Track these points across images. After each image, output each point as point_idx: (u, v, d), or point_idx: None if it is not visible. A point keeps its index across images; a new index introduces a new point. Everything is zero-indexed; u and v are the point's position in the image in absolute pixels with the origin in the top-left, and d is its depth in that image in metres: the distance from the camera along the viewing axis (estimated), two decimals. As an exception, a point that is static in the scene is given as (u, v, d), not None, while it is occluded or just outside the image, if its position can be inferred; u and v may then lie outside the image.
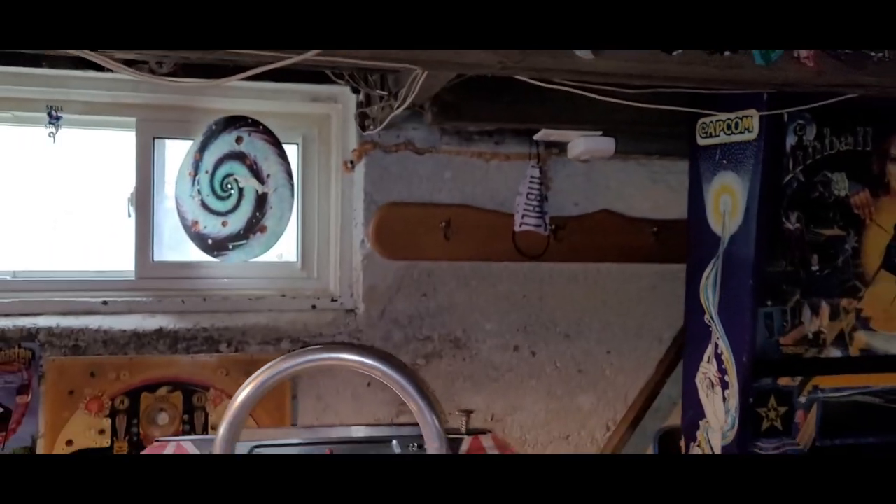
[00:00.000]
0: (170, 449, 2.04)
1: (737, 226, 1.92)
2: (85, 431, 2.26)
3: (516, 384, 2.62)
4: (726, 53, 1.62)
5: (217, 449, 1.76)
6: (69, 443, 2.26)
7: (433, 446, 1.74)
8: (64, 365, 2.27)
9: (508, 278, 2.60)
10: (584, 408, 2.67)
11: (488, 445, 2.09)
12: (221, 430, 1.74)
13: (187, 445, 2.06)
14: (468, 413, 2.19)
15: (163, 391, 2.32)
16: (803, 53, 1.66)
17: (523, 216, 2.52)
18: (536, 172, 2.51)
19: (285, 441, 2.16)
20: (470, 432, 2.13)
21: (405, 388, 1.71)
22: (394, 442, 2.10)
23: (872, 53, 1.68)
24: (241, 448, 1.94)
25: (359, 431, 2.31)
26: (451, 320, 2.56)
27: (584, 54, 1.55)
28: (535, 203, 2.52)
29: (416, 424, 1.80)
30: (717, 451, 1.97)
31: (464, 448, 2.05)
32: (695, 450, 2.08)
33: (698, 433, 2.06)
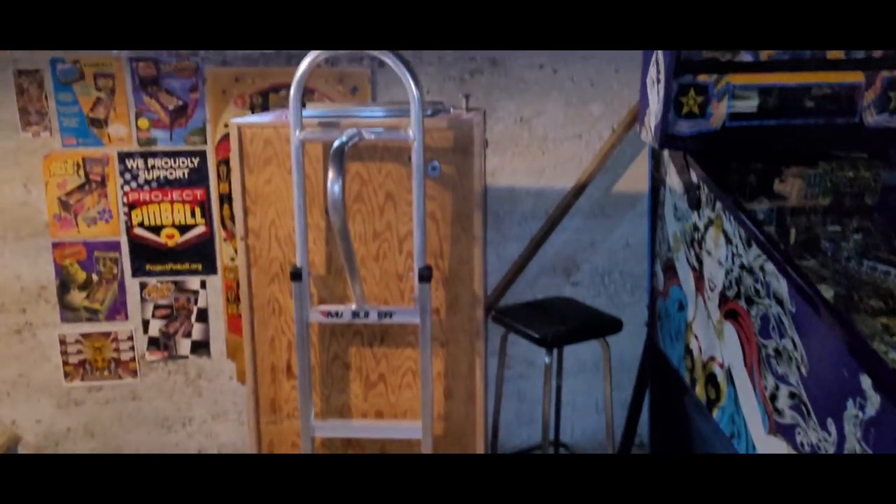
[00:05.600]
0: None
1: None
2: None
3: (541, 94, 3.44)
4: None
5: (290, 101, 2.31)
6: (226, 125, 3.37)
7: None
8: (218, 73, 3.33)
9: (537, 10, 3.32)
10: (595, 113, 3.47)
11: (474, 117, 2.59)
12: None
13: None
14: (467, 96, 2.95)
15: (283, 93, 3.35)
16: None
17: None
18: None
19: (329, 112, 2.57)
20: (468, 109, 2.74)
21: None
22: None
23: None
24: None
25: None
26: (490, 44, 3.36)
27: None
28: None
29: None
30: (653, 130, 2.75)
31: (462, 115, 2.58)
32: (642, 131, 2.87)
33: (646, 119, 2.84)
